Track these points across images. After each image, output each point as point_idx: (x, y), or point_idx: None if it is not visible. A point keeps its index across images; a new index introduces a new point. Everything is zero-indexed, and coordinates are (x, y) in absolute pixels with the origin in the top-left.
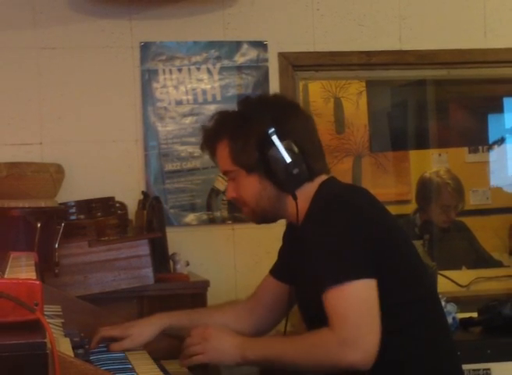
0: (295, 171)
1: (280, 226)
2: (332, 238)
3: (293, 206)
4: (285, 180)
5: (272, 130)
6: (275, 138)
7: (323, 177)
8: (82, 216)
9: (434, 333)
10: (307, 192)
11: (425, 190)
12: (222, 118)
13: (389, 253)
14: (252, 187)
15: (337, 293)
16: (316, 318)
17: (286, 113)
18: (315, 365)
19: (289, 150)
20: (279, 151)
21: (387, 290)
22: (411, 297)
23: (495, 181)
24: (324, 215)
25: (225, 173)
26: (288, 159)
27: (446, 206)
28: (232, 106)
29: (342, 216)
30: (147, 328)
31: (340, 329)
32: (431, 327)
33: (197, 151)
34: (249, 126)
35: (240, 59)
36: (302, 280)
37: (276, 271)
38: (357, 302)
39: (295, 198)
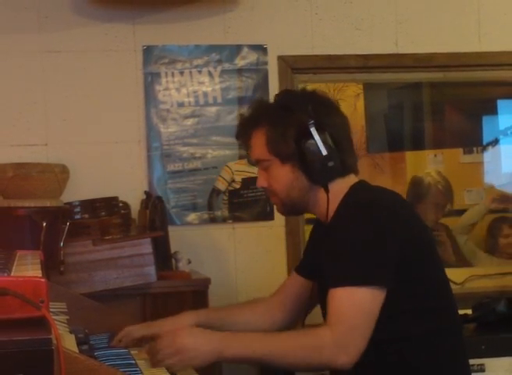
0: (330, 164)
1: (280, 227)
2: (359, 241)
3: (323, 200)
4: (319, 172)
5: (312, 121)
6: (313, 130)
7: (353, 177)
8: (86, 216)
9: (452, 342)
10: (338, 188)
11: (417, 188)
12: (261, 106)
13: (418, 262)
14: (285, 177)
15: (344, 294)
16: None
17: (326, 107)
18: (303, 364)
19: (325, 143)
20: (316, 143)
21: (410, 296)
22: (435, 304)
23: (489, 181)
24: (359, 217)
25: (258, 161)
26: (324, 152)
27: (436, 204)
28: (233, 108)
29: (376, 221)
30: (180, 324)
31: (337, 329)
32: (450, 336)
33: (198, 151)
34: (289, 115)
35: (240, 62)
36: (323, 277)
37: (301, 268)
38: (359, 308)
39: (327, 190)
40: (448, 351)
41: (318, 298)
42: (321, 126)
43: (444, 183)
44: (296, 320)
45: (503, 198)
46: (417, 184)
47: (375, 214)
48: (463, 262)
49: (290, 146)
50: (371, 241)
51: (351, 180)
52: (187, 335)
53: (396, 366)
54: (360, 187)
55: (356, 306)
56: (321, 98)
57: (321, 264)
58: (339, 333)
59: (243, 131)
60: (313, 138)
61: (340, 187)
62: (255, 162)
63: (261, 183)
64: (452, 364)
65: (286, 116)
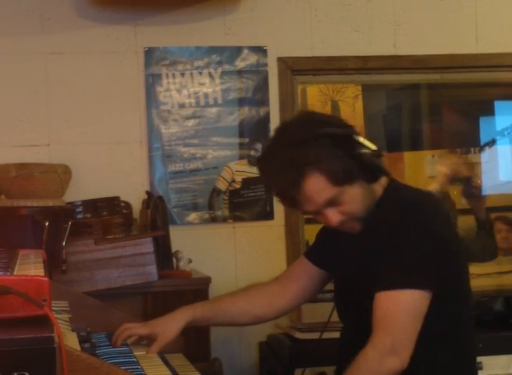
0: (379, 161)
1: (280, 227)
2: (413, 244)
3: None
4: (377, 166)
5: (346, 128)
6: (355, 136)
7: (385, 180)
8: (88, 215)
9: (468, 346)
10: (376, 186)
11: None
12: (288, 156)
13: (454, 267)
14: (359, 195)
15: (393, 297)
16: (360, 305)
17: (342, 122)
18: None
19: (368, 140)
20: (365, 145)
21: (445, 300)
22: (461, 310)
23: (486, 182)
24: (413, 219)
25: (328, 202)
26: (373, 146)
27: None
28: (233, 109)
29: (430, 225)
30: (171, 324)
31: (388, 332)
32: (469, 340)
33: (199, 152)
34: (323, 140)
35: (240, 64)
36: (359, 267)
37: (312, 254)
38: (408, 310)
39: (390, 175)
40: (467, 352)
41: (337, 295)
42: (351, 129)
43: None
44: (296, 306)
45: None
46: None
47: (427, 219)
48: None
49: (348, 162)
50: (423, 247)
51: (382, 181)
52: None
53: (424, 366)
54: (400, 186)
55: (404, 308)
56: (316, 113)
57: (350, 254)
58: (390, 336)
59: (289, 193)
60: (359, 143)
61: (377, 188)
62: (323, 206)
63: (336, 219)
64: (468, 365)
65: (321, 142)
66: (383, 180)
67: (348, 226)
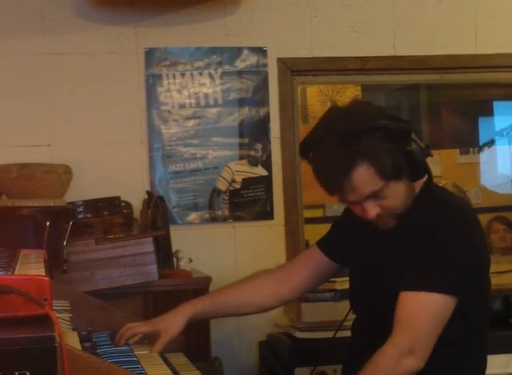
0: (425, 161)
1: (280, 227)
2: (449, 249)
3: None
4: (424, 165)
5: (401, 123)
6: (409, 132)
7: None
8: (89, 215)
9: (483, 352)
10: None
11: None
12: (345, 145)
13: (482, 279)
14: (402, 191)
15: (420, 298)
16: (381, 301)
17: (390, 114)
18: None
19: (416, 143)
20: (417, 142)
21: (467, 310)
22: (478, 324)
23: (485, 181)
24: (452, 224)
25: (372, 194)
26: (422, 144)
27: None
28: (234, 110)
29: (468, 233)
30: (173, 321)
31: (409, 332)
32: (483, 345)
33: (199, 152)
34: (377, 133)
35: (240, 64)
36: (385, 263)
37: (325, 245)
38: (432, 314)
39: (431, 175)
40: (482, 357)
41: (356, 280)
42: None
43: (462, 193)
44: (300, 295)
45: None
46: None
47: (469, 223)
48: None
49: (399, 157)
50: (460, 252)
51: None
52: None
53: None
54: (437, 188)
55: (428, 311)
56: (370, 103)
57: (371, 250)
58: (403, 339)
59: (338, 181)
60: (411, 139)
61: (416, 184)
62: (366, 198)
63: (374, 213)
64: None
65: (374, 134)
66: (421, 180)
67: (384, 220)
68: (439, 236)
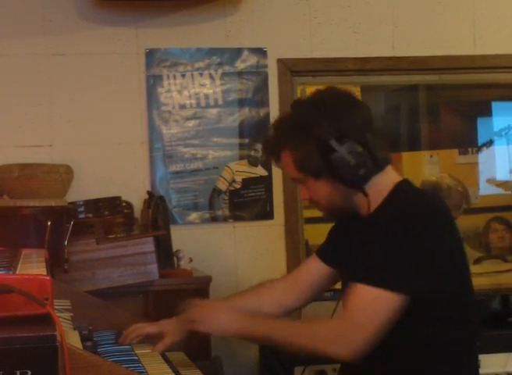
0: (361, 172)
1: (279, 226)
2: (401, 248)
3: (365, 200)
4: (353, 181)
5: (330, 136)
6: (335, 144)
7: (391, 170)
8: (90, 215)
9: (470, 352)
10: (381, 185)
11: (436, 192)
12: (279, 129)
13: (454, 275)
14: (322, 191)
15: (367, 292)
16: None
17: (341, 112)
18: (309, 350)
19: (351, 152)
20: (342, 156)
21: (436, 306)
22: (458, 316)
23: (484, 181)
24: (408, 224)
25: (293, 179)
26: (352, 161)
27: (455, 206)
28: (234, 110)
29: (424, 232)
30: (180, 325)
31: (345, 322)
32: (469, 346)
33: (199, 152)
34: (307, 134)
35: (240, 65)
36: (349, 268)
37: (323, 253)
38: (374, 308)
39: (366, 195)
40: (466, 361)
41: (342, 285)
42: (342, 134)
43: (462, 185)
44: (303, 304)
45: None
46: (435, 189)
47: (425, 225)
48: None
49: (317, 163)
50: (413, 251)
51: (392, 175)
52: (214, 309)
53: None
54: (407, 188)
55: (372, 306)
56: (335, 101)
57: (350, 254)
58: (346, 326)
59: (272, 156)
60: (337, 152)
61: (383, 184)
62: (293, 179)
63: (304, 196)
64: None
65: (303, 135)
66: (392, 177)
67: (318, 207)
68: (390, 234)
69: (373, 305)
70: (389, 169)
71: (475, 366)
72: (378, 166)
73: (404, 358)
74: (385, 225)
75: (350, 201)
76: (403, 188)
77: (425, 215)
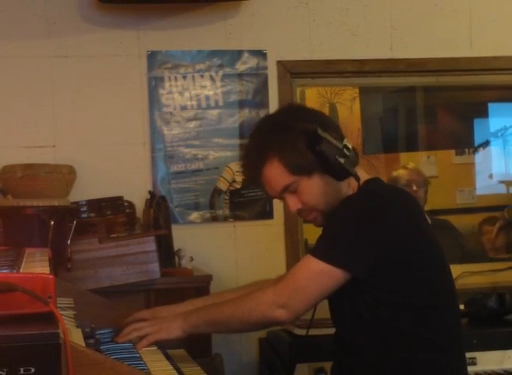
0: (348, 153)
1: (279, 226)
2: (348, 226)
3: (347, 194)
4: (344, 165)
5: (315, 126)
6: (320, 131)
7: (361, 170)
8: (93, 215)
9: (449, 339)
10: (353, 181)
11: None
12: (258, 140)
13: (409, 258)
14: (317, 188)
15: (307, 261)
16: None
17: (313, 113)
18: (248, 326)
19: (335, 138)
20: (329, 141)
21: (397, 292)
22: (424, 302)
23: (480, 182)
24: (359, 206)
25: (286, 188)
26: (339, 145)
27: (407, 181)
28: (234, 111)
29: (372, 210)
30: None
31: (283, 286)
32: (444, 334)
33: (200, 153)
34: (290, 132)
35: (241, 67)
36: None
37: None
38: (312, 276)
39: (357, 178)
40: (443, 347)
41: None
42: (323, 127)
43: (414, 167)
44: None
45: None
46: (395, 181)
47: (383, 210)
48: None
49: (308, 156)
50: (360, 231)
51: (362, 173)
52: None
53: (393, 358)
54: (379, 183)
55: (310, 274)
56: (301, 108)
57: None
58: (282, 291)
59: (254, 174)
60: (324, 138)
61: (354, 183)
62: (281, 192)
63: (295, 207)
64: (447, 357)
65: (287, 134)
66: (362, 176)
67: (310, 217)
68: (346, 214)
69: (317, 278)
70: (359, 168)
71: (458, 353)
72: (356, 161)
73: (387, 347)
74: (345, 206)
75: (339, 197)
76: (375, 183)
77: (387, 199)
